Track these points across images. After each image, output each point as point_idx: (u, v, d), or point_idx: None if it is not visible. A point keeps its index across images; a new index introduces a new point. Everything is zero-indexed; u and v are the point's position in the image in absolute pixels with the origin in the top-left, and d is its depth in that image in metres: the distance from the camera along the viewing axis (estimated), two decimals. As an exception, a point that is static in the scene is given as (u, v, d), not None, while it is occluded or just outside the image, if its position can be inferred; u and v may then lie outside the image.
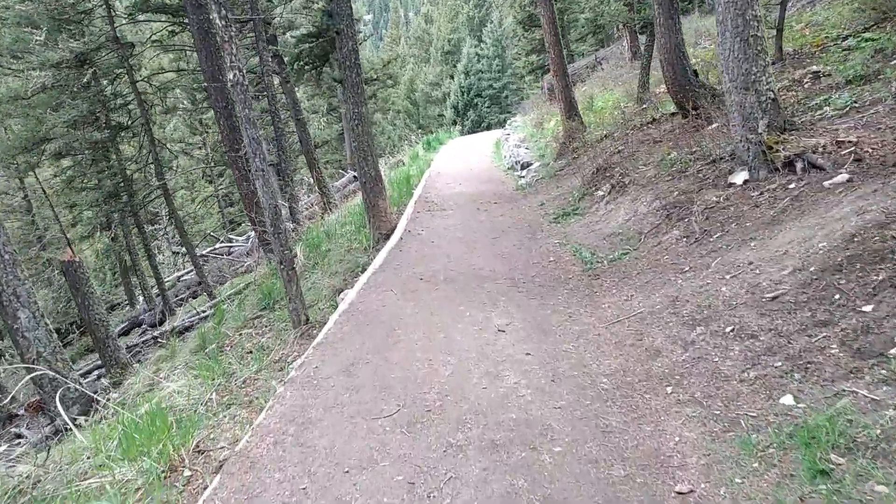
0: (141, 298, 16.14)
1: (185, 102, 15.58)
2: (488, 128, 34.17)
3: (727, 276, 4.37)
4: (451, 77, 37.94)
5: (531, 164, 12.95)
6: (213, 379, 4.91)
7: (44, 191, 17.60)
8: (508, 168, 14.51)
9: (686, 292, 4.44)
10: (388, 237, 8.31)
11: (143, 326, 13.74)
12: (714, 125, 8.31)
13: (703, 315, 4.06)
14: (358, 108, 8.31)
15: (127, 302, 19.12)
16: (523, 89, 34.87)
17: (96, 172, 13.09)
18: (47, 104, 12.38)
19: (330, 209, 16.00)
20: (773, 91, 5.80)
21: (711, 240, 5.10)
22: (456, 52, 40.40)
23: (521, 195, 10.58)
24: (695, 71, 9.22)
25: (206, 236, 22.58)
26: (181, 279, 18.88)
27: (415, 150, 19.78)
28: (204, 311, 10.15)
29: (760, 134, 5.73)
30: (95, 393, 6.47)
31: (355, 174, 19.47)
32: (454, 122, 34.00)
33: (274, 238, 5.59)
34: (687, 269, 4.85)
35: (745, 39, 5.70)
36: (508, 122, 22.07)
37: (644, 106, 11.54)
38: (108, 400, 5.63)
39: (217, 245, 18.33)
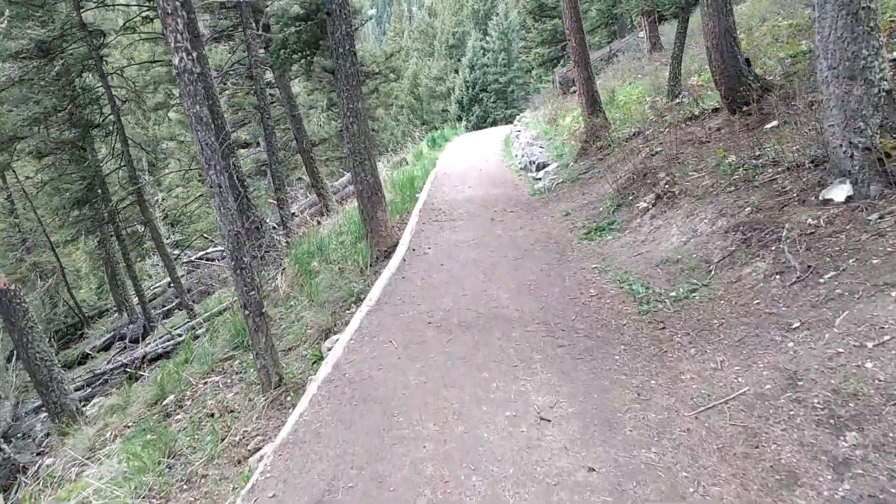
0: (126, 310, 14.82)
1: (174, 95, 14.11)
2: (493, 123, 32.68)
3: (868, 345, 2.99)
4: (456, 71, 36.40)
5: (548, 165, 11.54)
6: (150, 470, 3.55)
7: (24, 191, 16.29)
8: (521, 168, 13.10)
9: (807, 365, 3.06)
10: (388, 255, 6.94)
11: (124, 342, 12.43)
12: (772, 123, 6.93)
13: (850, 410, 2.69)
14: (353, 102, 6.92)
15: (116, 309, 17.83)
16: (530, 84, 33.34)
17: (71, 174, 11.74)
18: (18, 100, 11.04)
19: (328, 212, 14.66)
20: (886, 80, 4.39)
21: (822, 281, 3.71)
22: (461, 45, 38.83)
23: (539, 202, 9.18)
24: (747, 59, 7.80)
25: (199, 236, 21.26)
26: (172, 285, 17.58)
27: (419, 147, 18.37)
28: (180, 335, 8.82)
29: (872, 137, 4.33)
30: (27, 452, 5.15)
31: (356, 173, 18.10)
32: (459, 118, 32.52)
33: (235, 276, 4.22)
34: (796, 324, 3.46)
35: (854, 12, 4.29)
36: (517, 118, 20.62)
37: (677, 100, 10.11)
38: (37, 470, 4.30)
39: (210, 249, 16.99)
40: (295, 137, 14.79)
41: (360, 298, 5.83)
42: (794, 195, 4.92)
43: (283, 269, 8.01)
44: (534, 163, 12.04)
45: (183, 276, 16.62)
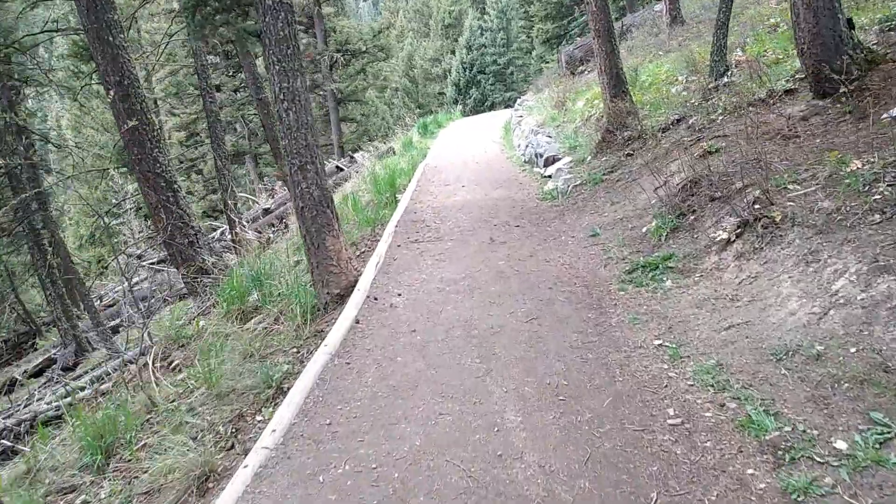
0: (59, 329, 12.54)
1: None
2: (492, 107, 30.13)
3: None
4: (453, 52, 33.68)
5: (559, 159, 9.21)
6: None
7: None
8: (525, 162, 10.77)
9: None
10: (343, 299, 4.67)
11: (55, 368, 10.23)
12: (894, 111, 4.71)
13: None
14: (288, 79, 4.59)
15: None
16: (530, 65, 30.72)
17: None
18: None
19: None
20: None
21: None
22: (457, 25, 36.00)
23: (552, 210, 6.89)
24: (849, 20, 5.46)
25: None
26: (135, 288, 15.29)
27: (408, 136, 15.95)
28: (83, 388, 6.57)
29: None
30: None
31: (339, 164, 15.72)
32: (455, 101, 29.93)
33: None
34: None
35: None
36: (518, 101, 18.16)
37: (725, 79, 7.76)
38: None
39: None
40: (262, 125, 12.42)
41: (281, 389, 3.57)
42: None
43: (202, 314, 5.77)
44: (541, 155, 9.70)
45: (146, 278, 14.37)
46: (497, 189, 8.76)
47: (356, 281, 4.81)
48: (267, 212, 15.36)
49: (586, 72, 16.01)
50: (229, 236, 9.29)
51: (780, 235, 3.74)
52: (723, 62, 8.12)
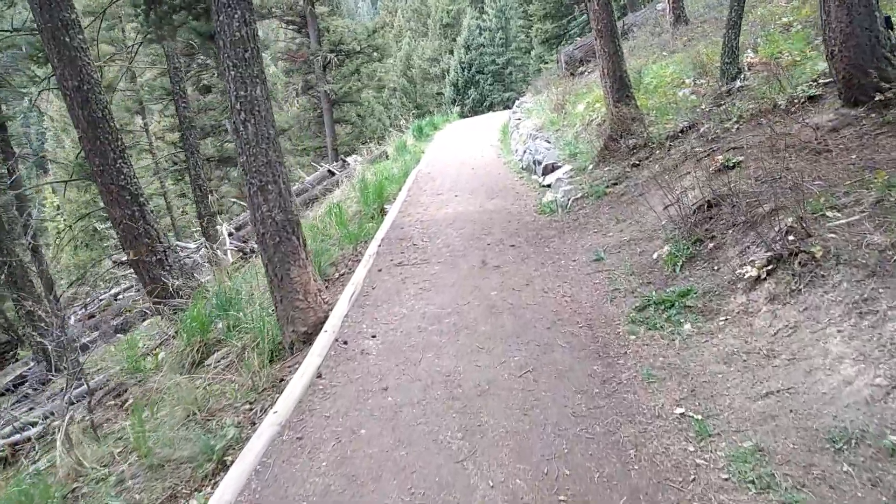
0: (31, 343, 11.88)
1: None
2: (490, 107, 29.43)
3: None
4: (451, 52, 32.95)
5: (558, 167, 8.57)
6: None
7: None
8: (523, 169, 10.12)
9: None
10: (308, 338, 4.03)
11: (27, 385, 9.58)
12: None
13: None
14: (245, 87, 3.95)
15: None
16: (529, 65, 30.01)
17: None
18: None
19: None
20: None
21: None
22: (456, 24, 35.27)
23: (552, 227, 6.25)
24: (888, 18, 4.82)
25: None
26: (118, 297, 14.67)
27: (402, 139, 15.27)
28: (34, 424, 5.93)
29: None
30: None
31: (331, 168, 15.06)
32: (453, 102, 29.21)
33: None
34: None
35: None
36: (517, 102, 17.50)
37: (738, 83, 7.11)
38: None
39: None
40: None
41: (223, 463, 2.93)
42: None
43: (162, 343, 5.15)
44: (539, 163, 9.05)
45: (131, 286, 13.73)
46: (492, 199, 8.12)
47: (326, 317, 4.17)
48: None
49: (586, 73, 15.35)
50: (204, 251, 8.64)
51: (823, 276, 3.10)
52: (734, 64, 7.47)
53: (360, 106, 21.11)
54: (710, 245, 4.17)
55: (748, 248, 3.81)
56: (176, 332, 5.36)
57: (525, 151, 10.36)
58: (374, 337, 3.90)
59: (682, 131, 6.78)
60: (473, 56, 30.34)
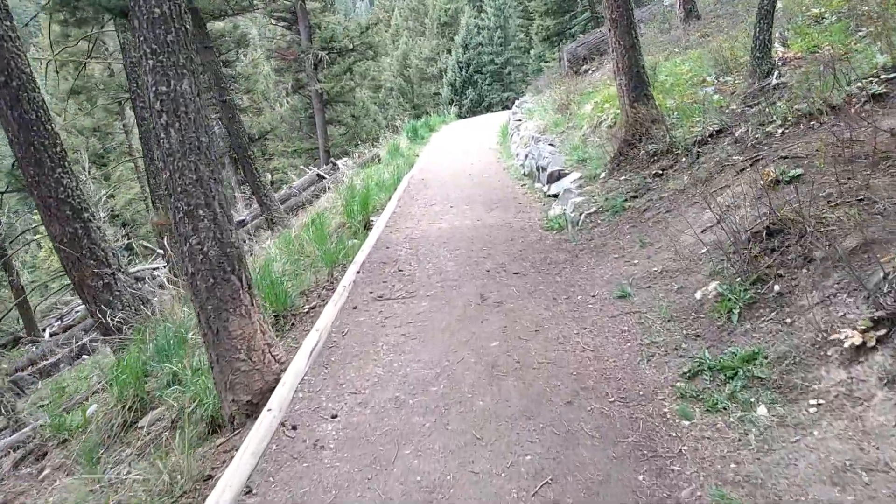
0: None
1: None
2: (489, 108, 28.43)
3: None
4: (449, 51, 31.90)
5: (565, 175, 7.57)
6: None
7: None
8: (525, 175, 9.13)
9: None
10: (255, 409, 3.03)
11: None
12: None
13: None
14: (168, 80, 2.94)
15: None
16: (528, 65, 29.00)
17: None
18: None
19: (272, 227, 10.72)
20: None
21: None
22: (453, 23, 34.23)
23: (561, 247, 5.25)
24: None
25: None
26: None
27: (395, 141, 14.24)
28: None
29: None
30: None
31: (320, 172, 14.04)
32: (451, 102, 28.16)
33: None
34: None
35: None
36: (517, 102, 16.49)
37: (773, 80, 6.11)
38: None
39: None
40: (227, 130, 10.74)
41: None
42: None
43: (94, 394, 4.16)
44: (544, 169, 8.05)
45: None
46: (492, 211, 7.12)
47: (277, 379, 3.16)
48: (241, 224, 13.71)
49: (591, 71, 14.37)
50: (166, 270, 7.64)
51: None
52: (767, 59, 6.45)
53: (354, 106, 20.08)
54: (777, 287, 3.17)
55: (835, 295, 2.81)
56: (108, 382, 4.35)
57: (527, 156, 9.37)
58: (334, 417, 2.89)
59: (711, 136, 5.78)
60: (471, 55, 29.33)
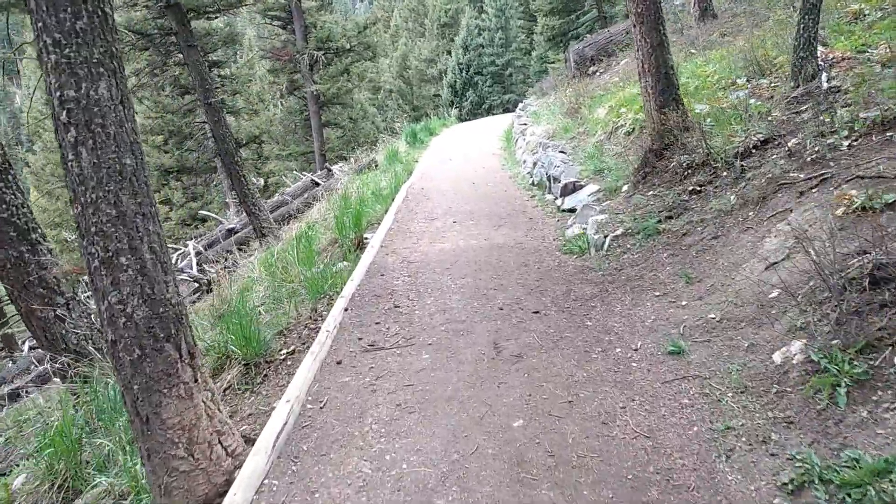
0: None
1: None
2: (489, 110, 27.64)
3: None
4: (449, 53, 31.08)
5: (581, 187, 6.76)
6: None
7: None
8: (534, 185, 8.33)
9: None
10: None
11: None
12: None
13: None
14: (78, 82, 2.10)
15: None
16: (530, 66, 28.20)
17: None
18: None
19: (261, 239, 9.89)
20: None
21: None
22: (454, 24, 33.42)
23: (585, 275, 4.44)
24: None
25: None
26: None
27: (393, 146, 13.42)
28: None
29: None
30: None
31: (314, 178, 13.21)
32: (451, 104, 27.34)
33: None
34: None
35: None
36: (521, 105, 15.69)
37: (824, 83, 5.31)
38: None
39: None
40: (212, 134, 9.92)
41: None
42: None
43: (19, 464, 3.33)
44: (556, 179, 7.25)
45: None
46: (500, 228, 6.31)
47: (228, 483, 2.34)
48: (231, 232, 12.86)
49: (599, 73, 13.56)
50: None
51: None
52: (812, 60, 5.64)
53: (352, 108, 19.25)
54: (894, 358, 2.36)
55: None
56: (38, 448, 3.52)
57: (535, 164, 8.56)
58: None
59: (755, 147, 4.97)
60: (472, 57, 28.51)
